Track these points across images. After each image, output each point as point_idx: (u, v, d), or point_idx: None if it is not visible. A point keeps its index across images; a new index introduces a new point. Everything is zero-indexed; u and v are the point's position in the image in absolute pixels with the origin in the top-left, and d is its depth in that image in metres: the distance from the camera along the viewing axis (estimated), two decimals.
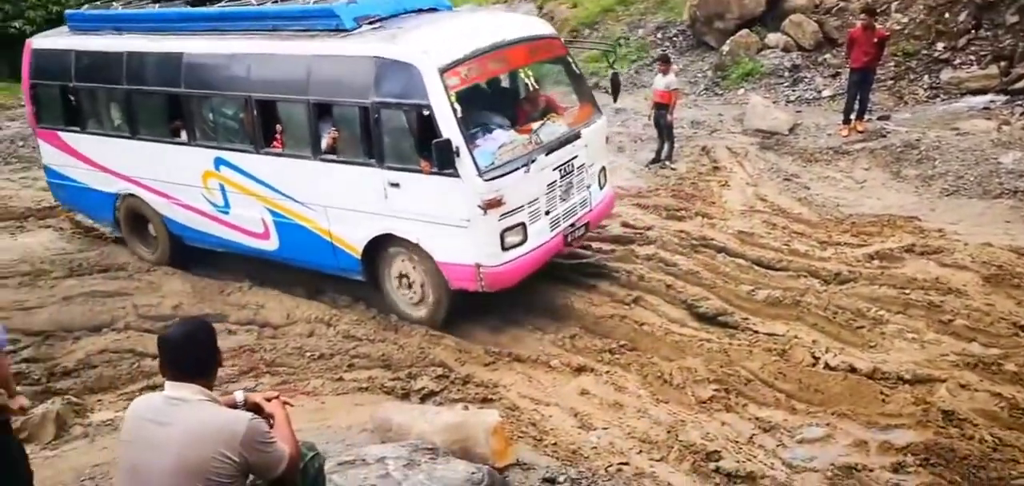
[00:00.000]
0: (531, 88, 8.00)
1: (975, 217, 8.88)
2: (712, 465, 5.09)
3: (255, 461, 2.95)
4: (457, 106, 6.52)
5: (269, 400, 3.36)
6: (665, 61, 11.97)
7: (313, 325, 7.55)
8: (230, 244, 8.47)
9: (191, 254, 8.98)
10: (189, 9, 8.58)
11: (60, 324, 7.81)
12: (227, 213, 8.23)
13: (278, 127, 7.67)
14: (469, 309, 7.49)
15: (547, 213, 7.18)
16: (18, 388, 5.54)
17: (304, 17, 7.50)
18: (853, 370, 6.10)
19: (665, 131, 11.59)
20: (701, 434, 5.43)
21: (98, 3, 9.82)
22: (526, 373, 6.57)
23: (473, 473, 4.43)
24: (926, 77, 13.10)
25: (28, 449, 4.69)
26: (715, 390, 6.01)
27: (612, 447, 5.36)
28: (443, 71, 6.56)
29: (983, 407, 5.53)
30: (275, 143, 7.70)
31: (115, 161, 8.90)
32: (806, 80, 14.20)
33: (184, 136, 8.31)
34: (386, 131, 6.84)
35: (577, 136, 7.43)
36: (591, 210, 7.77)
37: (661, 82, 11.52)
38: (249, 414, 3.06)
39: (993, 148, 10.37)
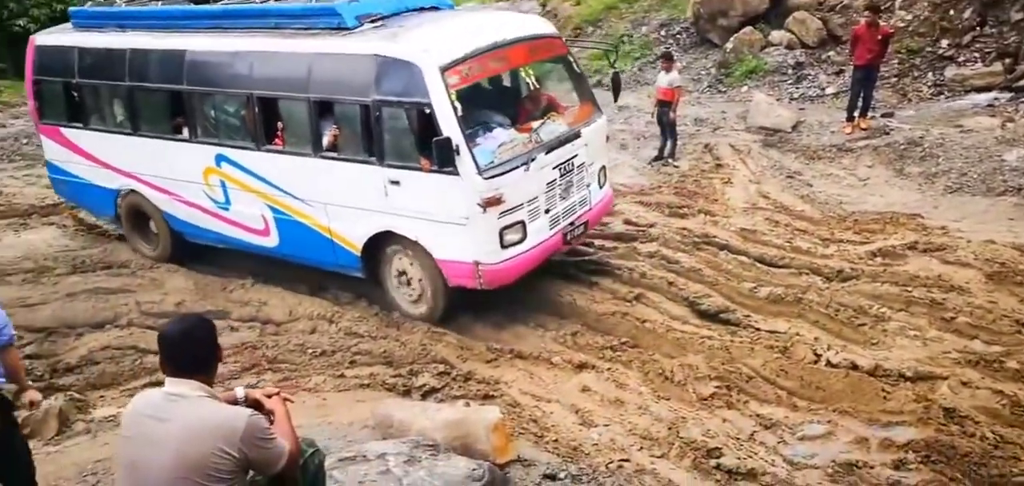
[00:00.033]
0: (532, 87, 8.01)
1: (978, 214, 8.86)
2: (713, 462, 5.09)
3: (255, 457, 2.95)
4: (457, 104, 6.53)
5: (269, 396, 3.37)
6: (668, 58, 11.95)
7: (315, 322, 7.57)
8: (231, 240, 8.49)
9: (192, 250, 9.01)
10: (192, 7, 8.61)
11: (63, 321, 7.84)
12: (228, 210, 8.26)
13: (279, 124, 7.69)
14: (471, 306, 7.50)
15: (546, 211, 7.19)
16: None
17: (306, 15, 7.52)
18: (855, 367, 6.09)
19: (668, 128, 11.58)
20: (702, 431, 5.43)
21: (102, 0, 9.84)
22: (527, 370, 6.57)
23: (474, 470, 4.44)
24: (930, 74, 13.07)
25: (31, 444, 4.72)
26: (716, 387, 6.01)
27: (613, 444, 5.36)
28: (444, 70, 6.58)
29: (985, 405, 5.52)
30: (276, 140, 7.72)
31: (117, 157, 8.94)
32: (810, 77, 14.18)
33: (186, 133, 8.33)
34: (387, 129, 6.85)
35: (577, 135, 7.44)
36: (590, 209, 7.78)
37: (664, 79, 11.51)
38: (248, 410, 3.06)
39: (997, 145, 10.33)
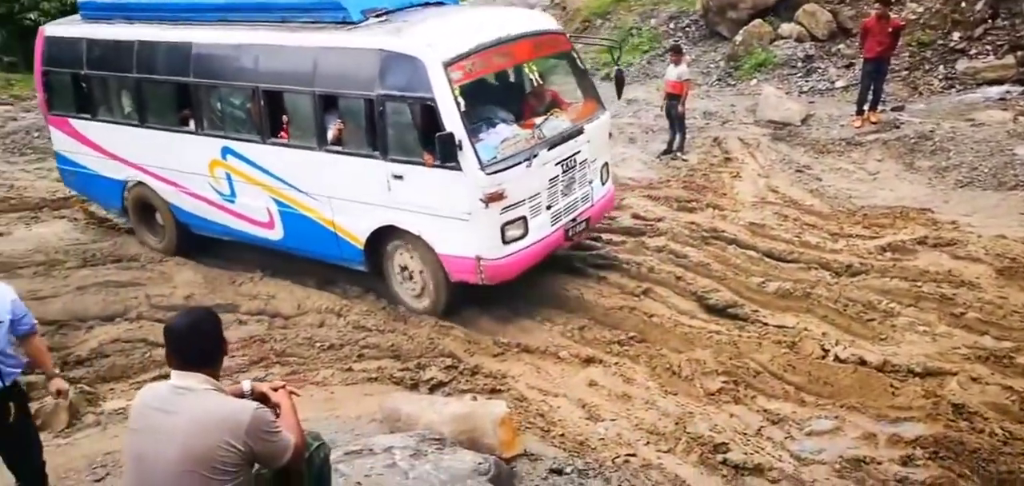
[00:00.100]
0: (535, 83, 8.02)
1: (990, 209, 8.79)
2: (720, 457, 5.10)
3: (260, 450, 2.97)
4: (460, 100, 6.56)
5: (276, 390, 3.39)
6: (677, 51, 11.91)
7: (323, 316, 7.59)
8: (236, 233, 8.55)
9: (198, 243, 9.06)
10: (199, 0, 8.63)
11: (74, 313, 7.89)
12: (233, 202, 8.31)
13: (284, 118, 7.73)
14: (478, 300, 7.51)
15: (548, 208, 7.21)
16: (32, 377, 5.67)
17: (311, 9, 7.55)
18: (863, 363, 6.08)
19: (677, 122, 11.54)
20: (709, 426, 5.43)
21: None
22: (535, 364, 6.58)
23: (480, 463, 4.45)
24: (941, 67, 12.96)
25: (42, 437, 4.75)
26: (724, 382, 6.01)
27: (620, 438, 5.37)
28: (447, 65, 6.60)
29: (994, 401, 5.50)
30: (281, 134, 7.76)
31: (124, 149, 9.00)
32: (819, 71, 14.09)
33: (192, 125, 8.38)
34: (390, 123, 6.89)
35: (580, 132, 7.45)
36: (592, 206, 7.80)
37: (673, 73, 11.46)
38: (254, 403, 3.07)
39: (1009, 139, 10.25)
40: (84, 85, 9.18)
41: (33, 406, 4.92)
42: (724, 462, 5.05)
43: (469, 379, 6.31)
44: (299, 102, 7.53)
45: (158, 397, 3.04)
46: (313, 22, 7.49)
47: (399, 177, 6.96)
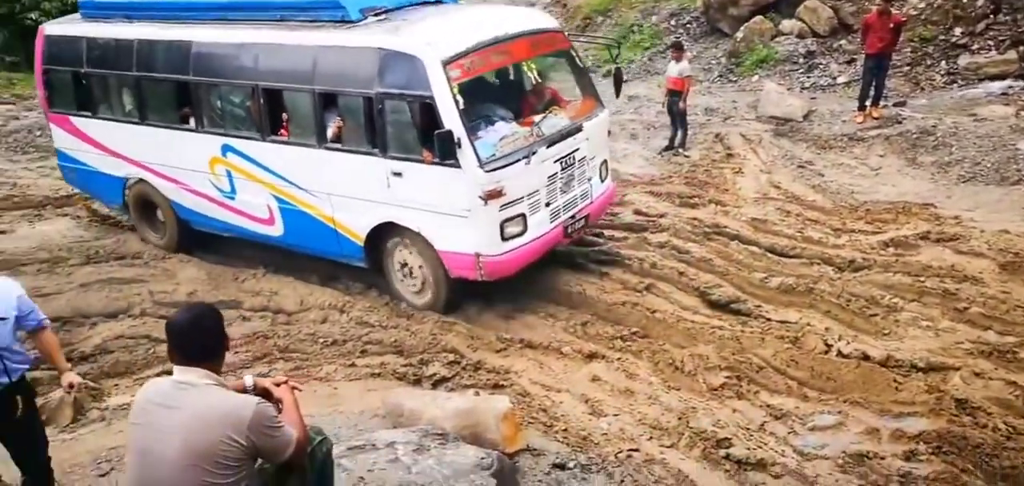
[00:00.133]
0: (534, 81, 8.04)
1: (992, 204, 8.79)
2: (723, 452, 5.10)
3: (262, 445, 2.98)
4: (459, 98, 6.58)
5: (278, 385, 3.39)
6: (678, 48, 11.90)
7: (326, 311, 7.61)
8: (236, 229, 8.58)
9: (198, 239, 9.08)
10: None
11: (78, 310, 7.90)
12: (233, 199, 8.33)
13: (284, 115, 7.76)
14: (481, 296, 7.51)
15: (547, 205, 7.22)
16: (38, 373, 5.69)
17: (311, 8, 7.56)
18: (866, 358, 6.07)
19: (678, 118, 11.53)
20: (712, 421, 5.42)
21: None
22: (537, 359, 6.58)
23: (482, 458, 4.45)
24: (943, 63, 12.94)
25: (47, 432, 4.76)
26: (727, 377, 6.00)
27: (622, 433, 5.37)
28: (446, 63, 6.62)
29: (997, 395, 5.49)
30: (281, 131, 7.78)
31: (125, 146, 9.02)
32: (821, 66, 14.07)
33: (192, 123, 8.41)
34: (389, 121, 6.91)
35: (578, 129, 7.46)
36: (592, 203, 7.81)
37: (674, 69, 11.46)
38: (256, 398, 3.08)
39: (1011, 134, 10.24)
40: (84, 83, 9.20)
41: (38, 401, 4.93)
42: (727, 457, 5.04)
43: (472, 375, 6.31)
44: (299, 100, 7.55)
45: (160, 392, 3.05)
46: (312, 21, 7.51)
47: (398, 174, 6.98)
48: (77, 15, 9.69)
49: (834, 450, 5.10)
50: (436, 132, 6.46)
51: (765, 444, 5.21)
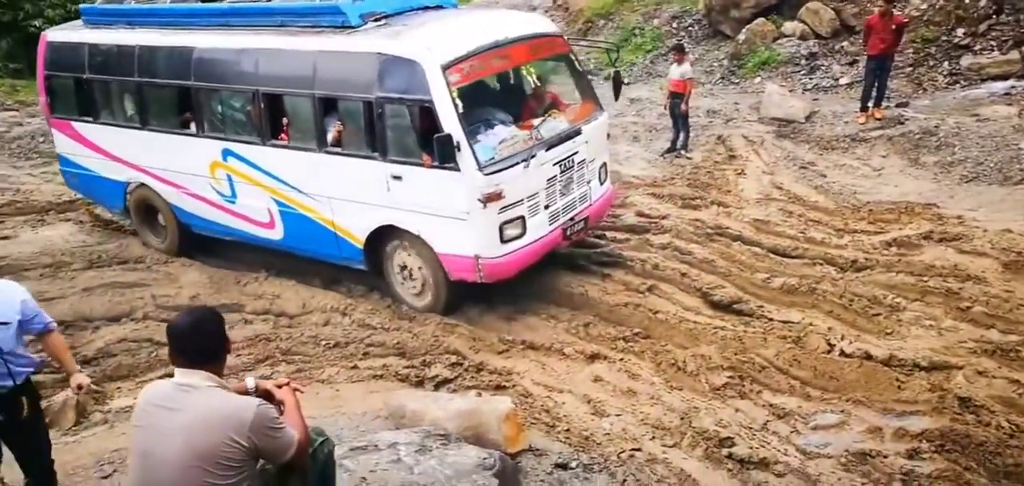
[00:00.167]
0: (534, 85, 8.07)
1: (995, 203, 8.77)
2: (725, 451, 5.08)
3: (264, 446, 2.98)
4: (458, 102, 6.60)
5: (280, 387, 3.40)
6: (680, 50, 11.92)
7: (328, 314, 7.61)
8: (236, 233, 8.60)
9: (199, 243, 9.11)
10: (199, 5, 8.71)
11: (81, 314, 7.92)
12: (234, 203, 8.36)
13: (284, 120, 7.79)
14: (483, 298, 7.52)
15: (546, 207, 7.24)
16: (41, 376, 5.70)
17: (311, 13, 7.60)
18: (869, 357, 6.06)
19: (680, 120, 11.54)
20: (714, 421, 5.42)
21: None
22: (540, 360, 6.58)
23: (484, 458, 4.45)
24: (946, 63, 12.93)
25: (50, 434, 4.77)
26: (729, 377, 5.99)
27: (625, 433, 5.36)
28: (445, 68, 6.64)
29: (1000, 394, 5.48)
30: (281, 136, 7.81)
31: (126, 151, 9.06)
32: (823, 68, 14.07)
33: (193, 128, 8.45)
34: (389, 125, 6.93)
35: (578, 132, 7.48)
36: (591, 205, 7.83)
37: (676, 71, 11.47)
38: (257, 400, 3.08)
39: (1014, 134, 10.22)
40: (86, 89, 9.24)
41: (41, 404, 4.94)
42: (730, 456, 5.03)
43: (474, 376, 6.31)
44: (299, 105, 7.58)
45: (162, 395, 3.06)
46: (312, 26, 7.54)
47: (398, 178, 7.00)
48: (79, 22, 9.74)
49: (837, 449, 5.09)
50: (435, 136, 6.48)
51: (768, 443, 5.20)
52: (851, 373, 5.94)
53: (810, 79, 13.85)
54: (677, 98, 11.42)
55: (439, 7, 8.03)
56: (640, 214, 9.29)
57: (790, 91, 13.27)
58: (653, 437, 5.32)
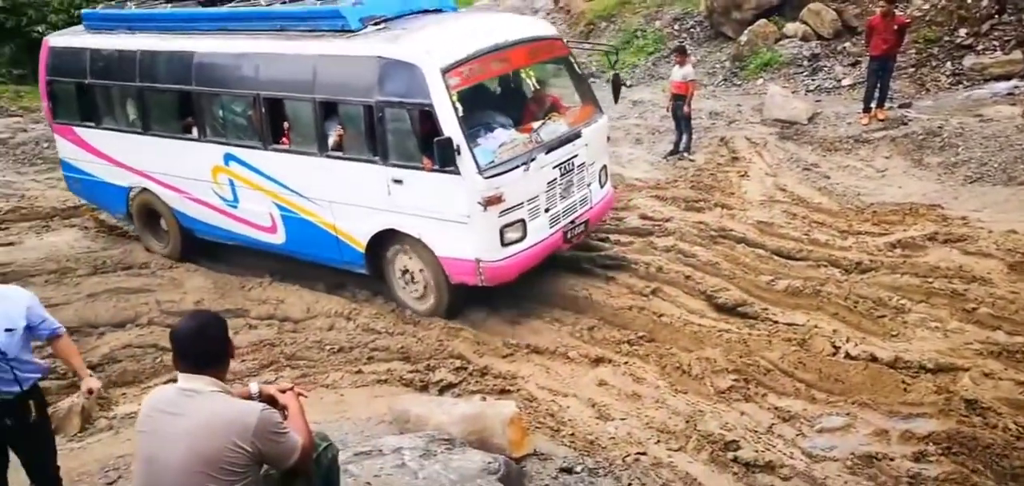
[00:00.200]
0: (533, 88, 8.09)
1: (1000, 204, 8.75)
2: (731, 455, 5.08)
3: (268, 451, 2.97)
4: (458, 105, 6.62)
5: (283, 392, 3.40)
6: (682, 52, 11.91)
7: (333, 319, 7.61)
8: (239, 237, 8.62)
9: (201, 247, 9.12)
10: (200, 10, 8.72)
11: (85, 320, 7.92)
12: (236, 207, 8.38)
13: (285, 124, 7.81)
14: (487, 302, 7.51)
15: (547, 210, 7.25)
16: (45, 382, 5.69)
17: (311, 18, 7.62)
18: (874, 359, 6.04)
19: (683, 122, 11.53)
20: (720, 424, 5.41)
21: (113, 3, 9.96)
22: (544, 364, 6.57)
23: (489, 463, 4.44)
24: (948, 64, 12.91)
25: (55, 440, 4.77)
26: (734, 380, 5.98)
27: (630, 437, 5.35)
28: (445, 71, 6.66)
29: (1007, 396, 5.46)
30: (283, 140, 7.83)
31: (128, 156, 9.08)
32: (825, 69, 14.06)
33: (195, 132, 8.47)
34: (390, 129, 6.94)
35: (577, 135, 7.49)
36: (591, 208, 7.83)
37: (678, 73, 11.47)
38: (261, 405, 3.07)
39: (1018, 134, 10.19)
40: (88, 94, 9.26)
41: (50, 409, 4.94)
42: (735, 460, 5.03)
43: (479, 380, 6.31)
44: (300, 109, 7.60)
45: (166, 400, 3.06)
46: (313, 31, 7.55)
47: (399, 181, 7.01)
48: (81, 27, 9.76)
49: (843, 452, 5.08)
50: (436, 139, 6.50)
51: (773, 446, 5.19)
52: (856, 375, 5.92)
53: (812, 80, 13.84)
54: (679, 100, 11.42)
55: (438, 11, 8.06)
56: (644, 217, 9.28)
57: (792, 92, 13.26)
58: (658, 441, 5.31)
